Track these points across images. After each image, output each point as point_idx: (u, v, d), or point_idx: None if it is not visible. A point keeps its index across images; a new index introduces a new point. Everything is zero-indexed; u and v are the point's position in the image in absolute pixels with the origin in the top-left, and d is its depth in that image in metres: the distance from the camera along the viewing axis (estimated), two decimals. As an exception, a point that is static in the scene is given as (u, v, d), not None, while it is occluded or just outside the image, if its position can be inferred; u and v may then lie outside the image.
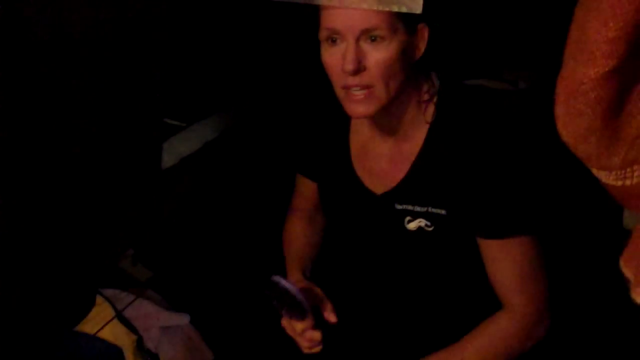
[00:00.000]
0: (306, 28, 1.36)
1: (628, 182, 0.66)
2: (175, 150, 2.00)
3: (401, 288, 1.49)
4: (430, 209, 1.36)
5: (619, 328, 1.67)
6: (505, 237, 1.32)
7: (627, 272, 0.59)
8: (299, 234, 1.63)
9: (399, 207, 1.39)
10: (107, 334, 1.66)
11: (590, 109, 0.64)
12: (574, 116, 0.65)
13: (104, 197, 1.64)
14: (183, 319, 1.80)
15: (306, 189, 1.60)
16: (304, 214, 1.63)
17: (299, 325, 1.38)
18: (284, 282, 1.31)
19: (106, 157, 1.62)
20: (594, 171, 0.68)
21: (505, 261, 1.34)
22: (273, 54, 2.41)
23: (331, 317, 1.40)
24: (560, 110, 0.67)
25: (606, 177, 0.68)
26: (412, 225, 1.38)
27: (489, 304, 1.39)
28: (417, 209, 1.37)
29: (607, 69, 0.61)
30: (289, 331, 1.42)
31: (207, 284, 2.00)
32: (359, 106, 1.27)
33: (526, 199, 1.34)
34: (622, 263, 0.60)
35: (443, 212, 1.35)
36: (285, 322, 1.41)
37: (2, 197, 1.37)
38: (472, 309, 1.42)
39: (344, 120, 1.45)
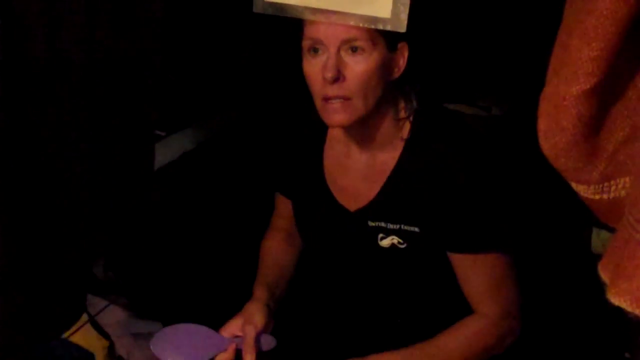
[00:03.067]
0: (286, 42, 1.38)
1: (605, 196, 0.68)
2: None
3: (375, 304, 1.51)
4: (403, 227, 1.38)
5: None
6: (478, 252, 1.36)
7: (604, 276, 0.61)
8: (273, 250, 1.61)
9: (372, 224, 1.40)
10: (79, 338, 1.65)
11: (571, 125, 0.66)
12: (555, 131, 0.68)
13: (90, 205, 1.64)
14: (155, 327, 1.80)
15: (284, 208, 1.60)
16: (282, 233, 1.63)
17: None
18: None
19: (97, 164, 1.61)
20: (573, 185, 0.71)
21: (477, 274, 1.37)
22: (253, 65, 2.43)
23: (247, 357, 1.36)
24: (542, 125, 0.69)
25: (585, 191, 0.70)
26: (385, 243, 1.40)
27: (461, 315, 1.41)
28: (390, 226, 1.39)
29: (588, 87, 0.64)
30: None
31: (179, 293, 2.00)
32: (336, 115, 1.28)
33: (499, 216, 1.36)
34: (600, 268, 0.63)
35: (416, 229, 1.37)
36: None
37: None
38: (444, 320, 1.43)
39: (318, 137, 1.47)
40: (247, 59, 2.42)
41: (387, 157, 1.38)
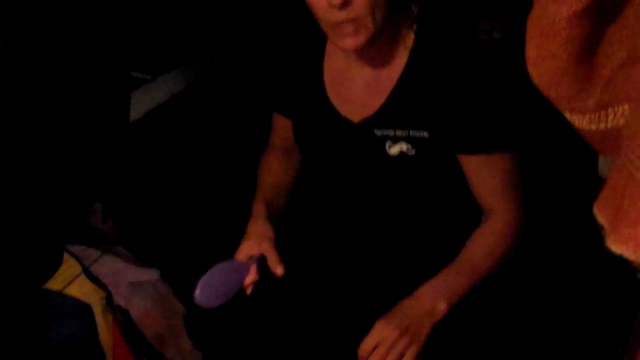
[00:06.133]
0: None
1: (602, 126, 0.63)
2: (141, 103, 1.95)
3: (386, 214, 1.50)
4: (411, 132, 1.37)
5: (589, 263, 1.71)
6: (488, 152, 1.37)
7: (601, 219, 0.56)
8: (271, 168, 1.61)
9: (378, 133, 1.39)
10: (74, 290, 1.63)
11: (562, 50, 0.60)
12: (545, 57, 0.62)
13: (70, 151, 1.60)
14: (153, 275, 1.78)
15: (282, 127, 1.60)
16: (280, 151, 1.62)
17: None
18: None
19: (72, 109, 1.57)
20: (567, 115, 0.65)
21: (489, 174, 1.39)
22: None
23: (278, 269, 1.39)
24: (530, 51, 0.63)
25: (579, 122, 0.65)
26: (394, 150, 1.39)
27: (471, 218, 1.44)
28: (398, 133, 1.38)
29: (580, 7, 0.58)
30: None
31: (177, 238, 1.97)
32: (348, 39, 1.27)
33: (507, 115, 1.37)
34: (596, 209, 0.57)
35: (425, 134, 1.36)
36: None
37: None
38: (456, 225, 1.46)
39: (316, 52, 1.45)
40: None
41: (392, 67, 1.37)
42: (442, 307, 1.36)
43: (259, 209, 1.48)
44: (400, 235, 1.52)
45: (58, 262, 1.62)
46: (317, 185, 1.60)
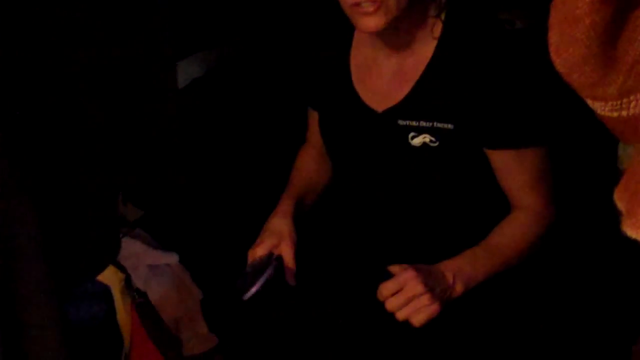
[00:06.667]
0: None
1: (624, 113, 0.62)
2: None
3: (408, 205, 1.49)
4: (436, 124, 1.35)
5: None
6: (520, 147, 1.35)
7: (620, 204, 0.56)
8: (305, 164, 1.60)
9: (402, 123, 1.38)
10: (94, 272, 1.64)
11: (585, 36, 0.60)
12: (567, 44, 0.61)
13: (108, 141, 1.61)
14: (172, 258, 1.80)
15: (315, 123, 1.57)
16: (316, 149, 1.60)
17: None
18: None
19: (109, 98, 1.58)
20: (589, 102, 0.65)
21: (519, 169, 1.37)
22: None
23: (291, 279, 1.38)
24: (553, 37, 0.63)
25: (602, 109, 0.64)
26: (417, 141, 1.37)
27: (495, 212, 1.42)
28: (423, 124, 1.36)
29: (603, -8, 0.57)
30: None
31: (197, 223, 1.98)
32: (370, 19, 1.24)
33: (538, 108, 1.36)
34: (615, 195, 0.57)
35: (450, 126, 1.34)
36: None
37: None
38: (478, 218, 1.44)
39: (344, 42, 1.44)
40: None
41: (419, 57, 1.36)
42: (459, 288, 1.34)
43: (288, 204, 1.46)
44: (422, 228, 1.50)
45: (116, 248, 1.60)
46: (338, 177, 1.59)
